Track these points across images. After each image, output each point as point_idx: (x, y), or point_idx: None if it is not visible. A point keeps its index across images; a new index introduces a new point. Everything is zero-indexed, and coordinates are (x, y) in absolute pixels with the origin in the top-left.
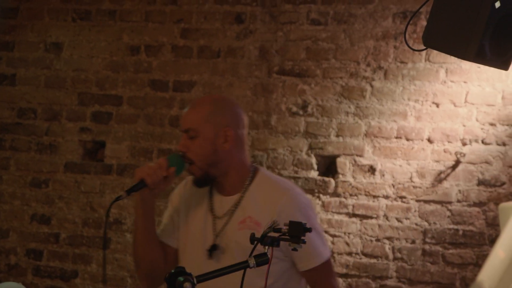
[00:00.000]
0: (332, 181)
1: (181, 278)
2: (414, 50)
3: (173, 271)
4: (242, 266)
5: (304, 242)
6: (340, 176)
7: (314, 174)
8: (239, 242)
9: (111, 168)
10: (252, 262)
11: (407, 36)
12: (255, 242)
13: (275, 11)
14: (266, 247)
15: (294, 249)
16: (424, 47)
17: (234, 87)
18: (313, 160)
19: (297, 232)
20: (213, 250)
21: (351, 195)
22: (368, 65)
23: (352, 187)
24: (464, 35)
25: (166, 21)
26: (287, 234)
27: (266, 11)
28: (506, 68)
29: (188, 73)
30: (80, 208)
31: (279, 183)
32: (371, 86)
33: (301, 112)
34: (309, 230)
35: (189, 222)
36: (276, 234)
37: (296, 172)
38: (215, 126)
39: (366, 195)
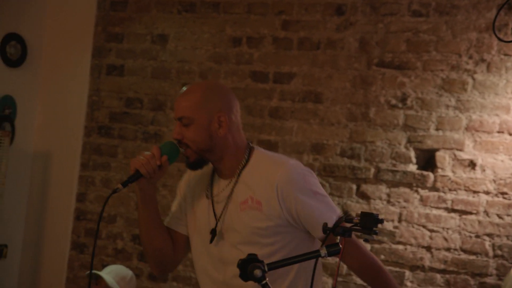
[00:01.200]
0: (431, 175)
1: (253, 265)
2: (503, 41)
3: (245, 258)
4: (314, 255)
5: (376, 233)
6: (439, 170)
7: (412, 167)
8: (242, 223)
9: None
10: (323, 251)
11: (509, 27)
12: (328, 232)
13: (375, 2)
14: (339, 237)
15: (366, 240)
16: None
17: (333, 79)
18: (412, 154)
19: (369, 223)
20: (213, 234)
21: (450, 190)
22: (470, 57)
23: (452, 181)
24: None
25: (268, 13)
26: (359, 224)
27: (367, 2)
28: None
29: (288, 65)
30: None
31: (274, 159)
32: (473, 79)
33: (400, 105)
34: (382, 221)
35: (194, 208)
36: (348, 225)
37: (394, 165)
38: (208, 112)
39: (465, 190)
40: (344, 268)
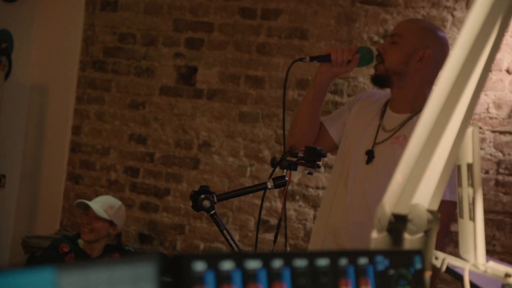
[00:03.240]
0: None
1: (202, 196)
2: None
3: (197, 189)
4: (261, 187)
5: (319, 167)
6: None
7: None
8: (389, 155)
9: (202, 93)
10: (270, 184)
11: None
12: (275, 165)
13: None
14: (285, 170)
15: (309, 173)
16: None
17: (318, 16)
18: None
19: (313, 157)
20: (370, 156)
21: None
22: None
23: None
24: None
25: None
26: (303, 158)
27: None
28: None
29: (276, 1)
30: (173, 130)
31: None
32: (452, 16)
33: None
34: (324, 155)
35: (356, 124)
36: (294, 159)
37: None
38: (418, 42)
39: None
40: None
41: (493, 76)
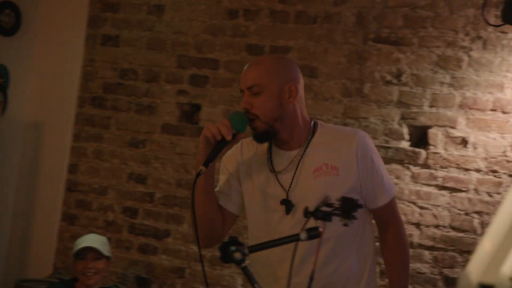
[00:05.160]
0: (423, 152)
1: (233, 248)
2: (490, 25)
3: (226, 240)
4: (294, 238)
5: (355, 218)
6: (431, 147)
7: (405, 144)
8: (317, 190)
9: None
10: (303, 235)
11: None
12: (308, 216)
13: None
14: (319, 221)
15: (345, 225)
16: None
17: (329, 54)
18: (405, 130)
19: (349, 208)
20: (288, 205)
21: (441, 167)
22: (467, 34)
23: (443, 159)
24: None
25: None
26: (339, 209)
27: None
28: None
29: (284, 38)
30: (174, 169)
31: (344, 128)
32: (469, 56)
33: (394, 81)
34: (361, 206)
35: (254, 183)
36: (329, 209)
37: (386, 141)
38: (279, 81)
39: (457, 167)
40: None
41: (511, 118)
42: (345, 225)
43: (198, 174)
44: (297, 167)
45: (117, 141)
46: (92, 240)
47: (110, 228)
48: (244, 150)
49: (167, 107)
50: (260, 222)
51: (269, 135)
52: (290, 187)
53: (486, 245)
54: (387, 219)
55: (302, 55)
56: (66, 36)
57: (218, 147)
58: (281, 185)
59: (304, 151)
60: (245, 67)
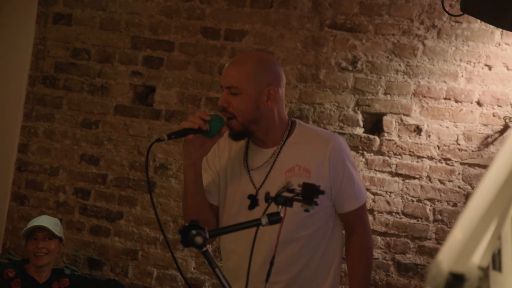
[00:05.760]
0: (377, 139)
1: (193, 232)
2: (450, 15)
3: (187, 224)
4: (255, 223)
5: (317, 204)
6: (386, 134)
7: (359, 131)
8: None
9: (160, 114)
10: (264, 220)
11: None
12: (269, 201)
13: None
14: (280, 206)
15: (306, 210)
16: (461, 13)
17: (284, 39)
18: (359, 117)
19: (311, 193)
20: (253, 201)
21: (395, 154)
22: (422, 23)
23: (397, 146)
24: (501, 3)
25: None
26: (300, 195)
27: None
28: None
29: (240, 22)
30: (127, 151)
31: (320, 130)
32: (423, 44)
33: (350, 68)
34: (322, 192)
35: (228, 179)
36: (290, 194)
37: (341, 128)
38: (258, 85)
39: (410, 155)
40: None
41: (464, 107)
42: (306, 210)
43: (157, 140)
44: (271, 167)
45: (69, 121)
46: (44, 220)
47: (61, 209)
48: (221, 144)
49: (121, 88)
50: (228, 215)
51: (244, 135)
52: (261, 185)
53: (457, 235)
54: (354, 225)
55: (258, 40)
56: (17, 13)
57: (190, 131)
58: (252, 182)
59: (280, 150)
60: (226, 64)
